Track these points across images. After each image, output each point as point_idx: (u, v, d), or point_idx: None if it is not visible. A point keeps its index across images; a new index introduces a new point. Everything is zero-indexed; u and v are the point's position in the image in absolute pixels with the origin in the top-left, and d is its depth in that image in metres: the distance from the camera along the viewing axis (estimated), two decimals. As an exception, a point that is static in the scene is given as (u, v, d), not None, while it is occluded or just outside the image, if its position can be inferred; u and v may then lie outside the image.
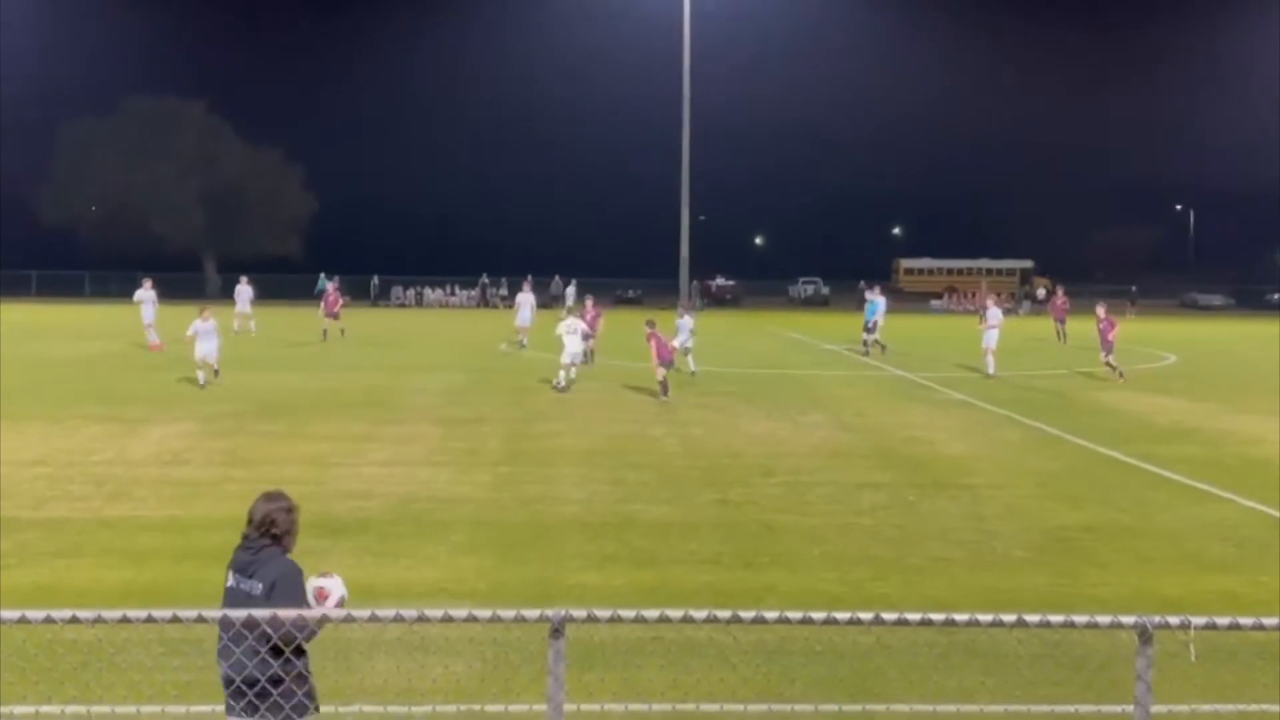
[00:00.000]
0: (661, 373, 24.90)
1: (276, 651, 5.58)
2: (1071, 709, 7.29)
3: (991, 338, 30.85)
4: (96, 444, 18.57)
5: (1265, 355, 40.83)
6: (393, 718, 7.95)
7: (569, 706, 4.74)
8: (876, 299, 37.48)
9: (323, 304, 42.14)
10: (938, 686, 8.39)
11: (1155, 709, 4.76)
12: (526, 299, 39.26)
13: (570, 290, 62.92)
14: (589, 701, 7.73)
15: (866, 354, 36.58)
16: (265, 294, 75.20)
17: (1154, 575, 11.82)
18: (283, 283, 73.12)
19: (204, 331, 25.45)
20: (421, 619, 4.39)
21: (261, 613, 4.70)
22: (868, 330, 37.18)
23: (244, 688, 5.92)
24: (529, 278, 42.72)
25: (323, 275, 58.13)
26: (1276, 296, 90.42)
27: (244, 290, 44.17)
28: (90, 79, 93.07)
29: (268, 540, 6.17)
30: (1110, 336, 30.37)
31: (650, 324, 25.94)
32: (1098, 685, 8.22)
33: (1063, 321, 43.31)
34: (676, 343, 28.55)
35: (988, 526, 13.83)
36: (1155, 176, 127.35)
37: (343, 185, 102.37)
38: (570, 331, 26.63)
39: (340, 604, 6.27)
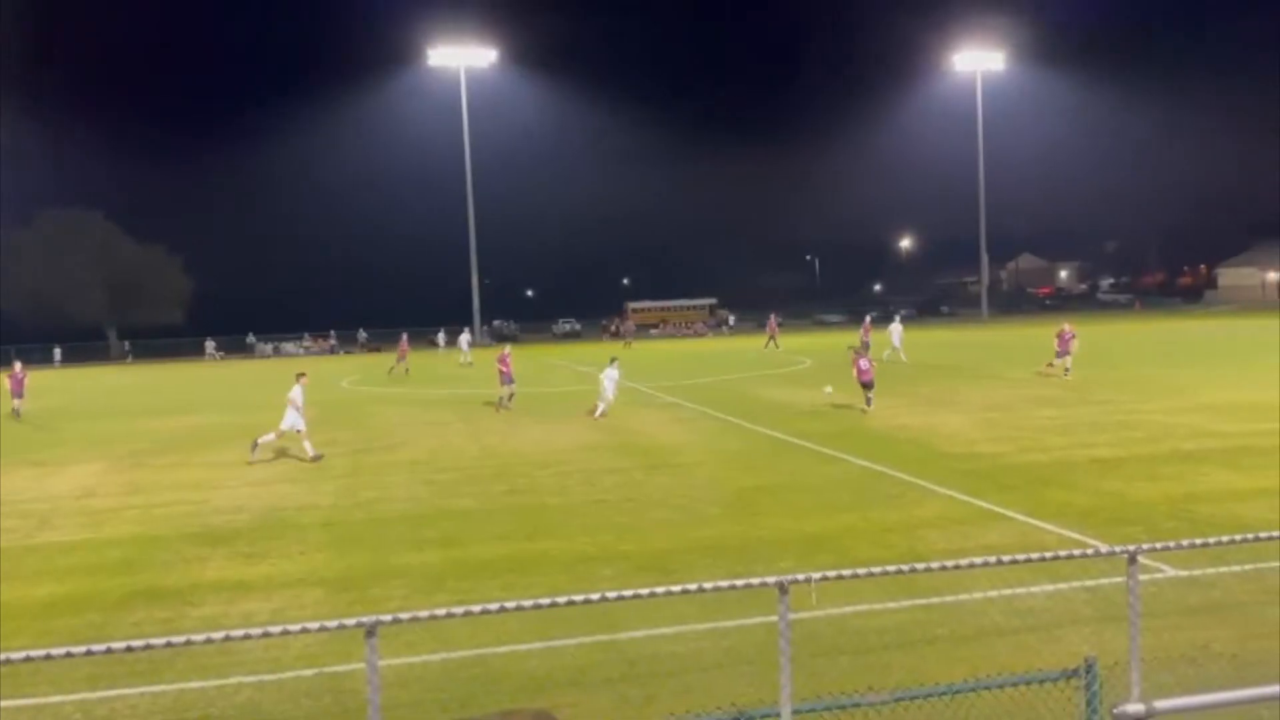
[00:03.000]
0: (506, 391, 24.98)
1: None
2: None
3: None
4: (23, 485, 16.73)
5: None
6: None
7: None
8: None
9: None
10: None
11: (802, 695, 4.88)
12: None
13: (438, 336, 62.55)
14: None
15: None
16: (152, 355, 73.48)
17: (802, 519, 12.23)
18: (169, 345, 72.25)
19: None
20: (227, 638, 4.01)
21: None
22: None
23: None
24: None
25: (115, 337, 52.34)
26: (874, 314, 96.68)
27: None
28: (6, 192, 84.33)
29: None
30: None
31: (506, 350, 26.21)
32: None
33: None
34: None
35: (694, 493, 14.05)
36: (795, 233, 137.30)
37: (215, 268, 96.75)
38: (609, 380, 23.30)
39: None
